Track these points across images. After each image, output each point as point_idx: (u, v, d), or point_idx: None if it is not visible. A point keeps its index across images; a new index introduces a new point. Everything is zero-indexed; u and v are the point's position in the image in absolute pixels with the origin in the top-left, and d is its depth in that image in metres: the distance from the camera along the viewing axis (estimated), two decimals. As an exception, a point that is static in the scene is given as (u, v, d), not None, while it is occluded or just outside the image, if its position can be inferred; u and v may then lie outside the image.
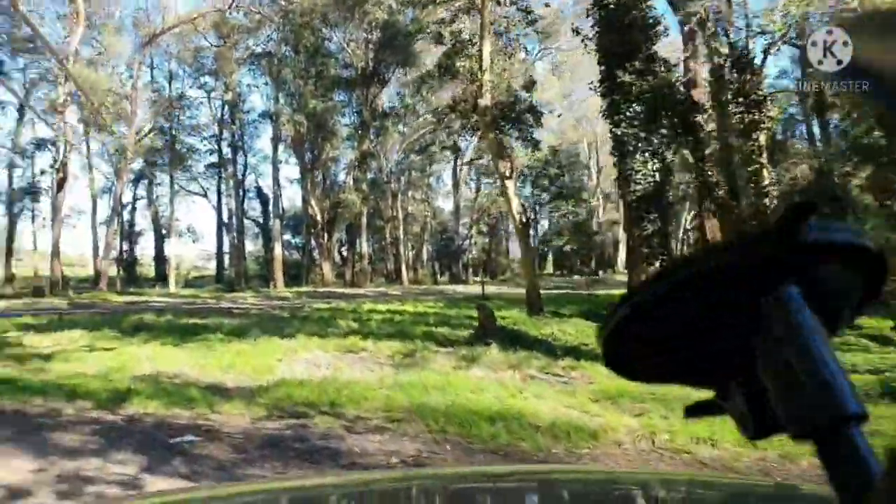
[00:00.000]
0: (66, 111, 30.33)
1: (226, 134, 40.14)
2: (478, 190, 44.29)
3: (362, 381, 7.65)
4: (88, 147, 36.73)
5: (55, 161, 32.12)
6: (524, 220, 12.73)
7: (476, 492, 1.60)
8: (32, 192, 36.57)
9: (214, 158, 40.64)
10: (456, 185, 39.42)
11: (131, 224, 41.90)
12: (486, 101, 12.19)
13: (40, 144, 35.55)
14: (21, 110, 34.83)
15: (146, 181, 41.07)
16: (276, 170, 36.31)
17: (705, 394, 0.48)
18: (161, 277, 39.56)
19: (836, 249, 0.42)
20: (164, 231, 41.45)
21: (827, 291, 0.43)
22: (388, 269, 43.38)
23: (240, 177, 40.23)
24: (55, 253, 30.45)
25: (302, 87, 30.39)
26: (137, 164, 38.20)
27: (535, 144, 14.96)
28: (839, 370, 0.39)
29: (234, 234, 40.43)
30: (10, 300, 23.73)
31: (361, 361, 8.97)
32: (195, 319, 15.30)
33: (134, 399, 6.61)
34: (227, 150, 40.20)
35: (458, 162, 39.41)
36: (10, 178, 35.43)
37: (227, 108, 39.20)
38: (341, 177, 40.71)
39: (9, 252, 34.77)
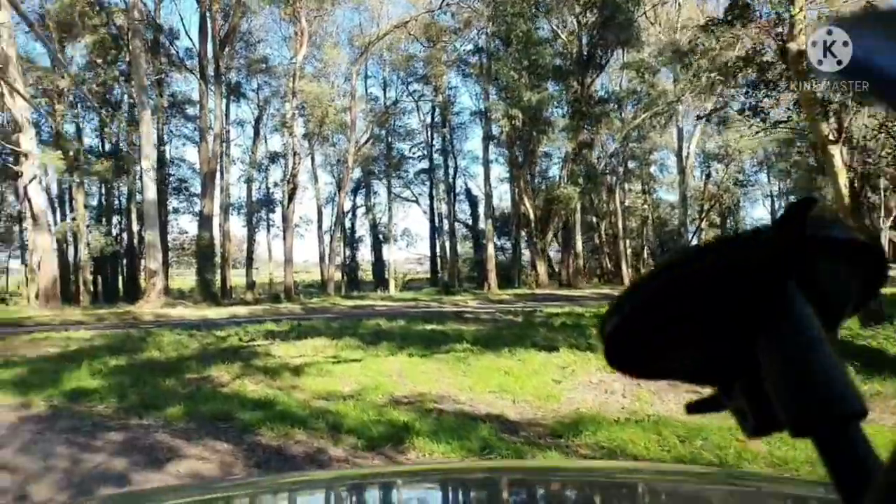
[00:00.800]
0: (294, 126, 31.90)
1: (435, 139, 40.31)
2: (707, 176, 39.72)
3: (698, 423, 5.54)
4: (313, 159, 38.70)
5: (285, 174, 34.07)
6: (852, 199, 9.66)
7: (476, 489, 1.54)
8: (268, 203, 39.30)
9: (425, 164, 41.07)
10: (682, 172, 35.45)
11: (352, 231, 43.66)
12: (798, 44, 9.42)
13: (273, 158, 38.11)
14: (256, 127, 37.60)
15: (364, 189, 42.59)
16: (487, 169, 35.44)
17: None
18: (380, 281, 40.68)
19: (835, 246, 0.41)
20: (381, 237, 42.70)
21: (827, 288, 0.43)
22: (603, 268, 40.64)
23: (450, 181, 40.15)
24: (288, 260, 32.13)
25: (515, 81, 28.97)
26: (356, 174, 39.59)
27: (862, 97, 11.62)
28: (839, 367, 0.39)
29: (447, 238, 40.44)
30: (251, 307, 25.02)
31: (670, 389, 6.86)
32: (431, 325, 14.32)
33: (413, 438, 5.18)
34: (436, 157, 40.42)
35: (685, 146, 35.48)
36: (249, 191, 38.26)
37: (436, 111, 39.23)
38: (552, 172, 38.93)
39: (249, 261, 37.57)
